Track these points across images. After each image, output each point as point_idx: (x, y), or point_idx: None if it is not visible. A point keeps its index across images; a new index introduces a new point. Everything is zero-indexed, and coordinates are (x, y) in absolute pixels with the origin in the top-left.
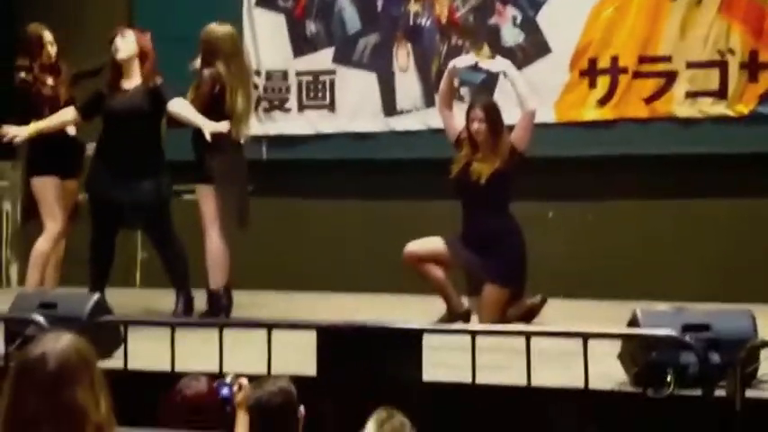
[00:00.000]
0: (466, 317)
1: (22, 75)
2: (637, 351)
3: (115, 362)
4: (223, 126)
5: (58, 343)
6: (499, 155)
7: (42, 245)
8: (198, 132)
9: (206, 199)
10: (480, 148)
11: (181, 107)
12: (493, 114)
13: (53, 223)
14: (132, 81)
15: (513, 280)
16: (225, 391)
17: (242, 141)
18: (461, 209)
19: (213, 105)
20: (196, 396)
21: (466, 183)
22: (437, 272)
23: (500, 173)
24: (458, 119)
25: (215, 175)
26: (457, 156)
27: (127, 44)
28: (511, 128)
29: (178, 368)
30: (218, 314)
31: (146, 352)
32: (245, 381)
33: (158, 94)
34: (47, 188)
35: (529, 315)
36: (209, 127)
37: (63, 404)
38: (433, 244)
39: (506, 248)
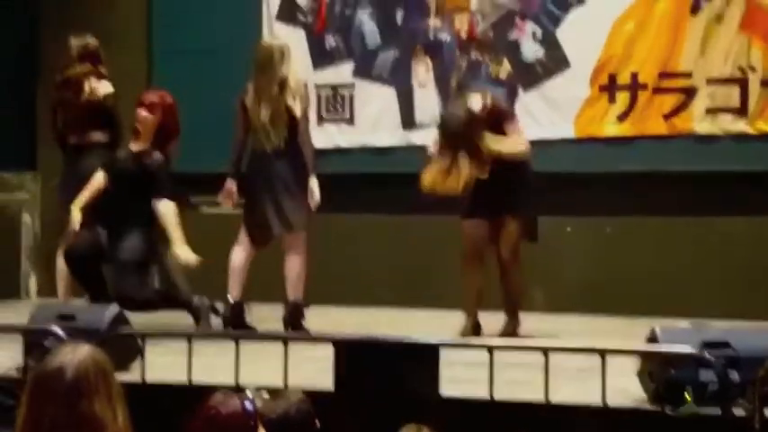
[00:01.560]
0: (478, 329)
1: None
2: (655, 368)
3: (133, 374)
4: (191, 259)
5: (76, 355)
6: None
7: None
8: None
9: None
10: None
11: (165, 212)
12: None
13: None
14: (139, 144)
15: (528, 209)
16: (248, 405)
17: (266, 151)
18: None
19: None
20: (232, 415)
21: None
22: (477, 278)
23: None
24: None
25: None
26: None
27: (146, 121)
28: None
29: (195, 381)
30: (237, 327)
31: (163, 364)
32: (266, 395)
33: (151, 179)
34: None
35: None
36: (180, 251)
37: (80, 416)
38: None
39: (517, 178)
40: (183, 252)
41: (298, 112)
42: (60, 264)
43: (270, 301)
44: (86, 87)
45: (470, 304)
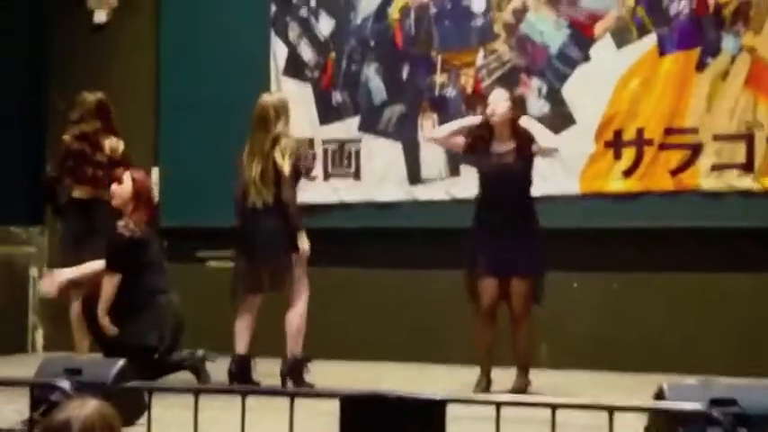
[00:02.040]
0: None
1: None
2: (664, 425)
3: (139, 428)
4: (111, 332)
5: (83, 409)
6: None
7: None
8: None
9: None
10: (497, 132)
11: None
12: (516, 100)
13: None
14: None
15: (542, 267)
16: None
17: (257, 207)
18: (483, 194)
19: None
20: None
21: (493, 164)
22: (492, 331)
23: (526, 152)
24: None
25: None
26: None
27: (122, 190)
28: None
29: None
30: (242, 381)
31: (170, 419)
32: None
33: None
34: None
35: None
36: (105, 326)
37: None
38: (491, 289)
39: (532, 237)
40: (106, 327)
41: (285, 169)
42: (75, 313)
43: (276, 356)
44: (106, 145)
45: (484, 360)
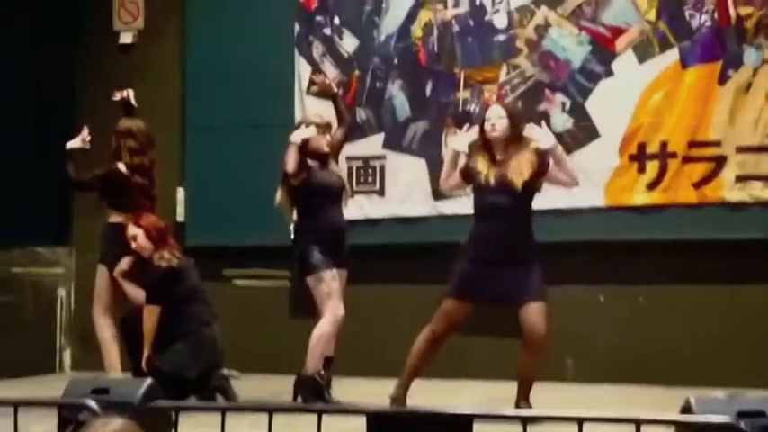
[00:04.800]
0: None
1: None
2: None
3: None
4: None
5: (108, 428)
6: (525, 155)
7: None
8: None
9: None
10: (498, 152)
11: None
12: (513, 111)
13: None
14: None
15: (545, 291)
16: None
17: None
18: (483, 222)
19: None
20: None
21: (495, 192)
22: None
23: (533, 180)
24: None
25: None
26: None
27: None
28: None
29: None
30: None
31: None
32: None
33: None
34: (103, 276)
35: None
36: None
37: None
38: (456, 315)
39: (536, 263)
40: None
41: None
42: (108, 335)
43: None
44: (156, 179)
45: (410, 378)
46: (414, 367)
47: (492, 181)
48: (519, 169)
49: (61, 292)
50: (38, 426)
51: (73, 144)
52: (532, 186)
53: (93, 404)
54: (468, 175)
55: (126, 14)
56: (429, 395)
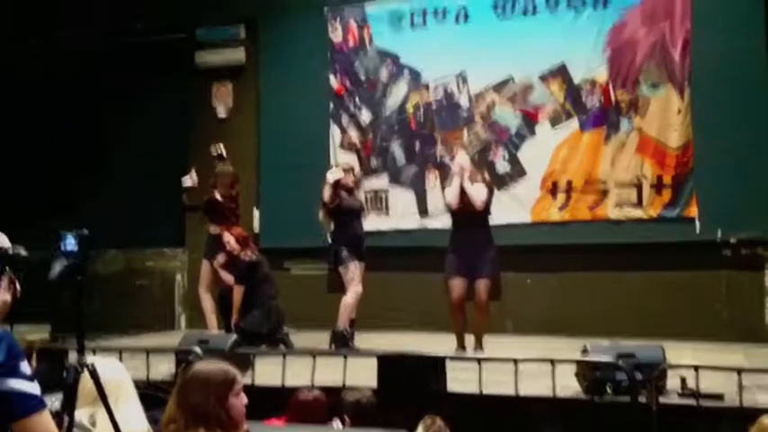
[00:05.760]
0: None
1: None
2: (587, 371)
3: (246, 379)
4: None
5: (207, 365)
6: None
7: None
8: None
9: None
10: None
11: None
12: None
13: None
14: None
15: (498, 274)
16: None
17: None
18: (456, 229)
19: None
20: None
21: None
22: (462, 317)
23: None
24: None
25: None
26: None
27: (232, 246)
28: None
29: (287, 384)
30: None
31: (267, 372)
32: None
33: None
34: (206, 267)
35: None
36: (235, 318)
37: (209, 402)
38: (458, 289)
39: (491, 252)
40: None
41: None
42: (209, 305)
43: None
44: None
45: (459, 336)
46: (457, 331)
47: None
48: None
49: (178, 278)
50: (162, 365)
51: (186, 182)
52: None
53: (198, 350)
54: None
55: (221, 97)
56: (417, 344)
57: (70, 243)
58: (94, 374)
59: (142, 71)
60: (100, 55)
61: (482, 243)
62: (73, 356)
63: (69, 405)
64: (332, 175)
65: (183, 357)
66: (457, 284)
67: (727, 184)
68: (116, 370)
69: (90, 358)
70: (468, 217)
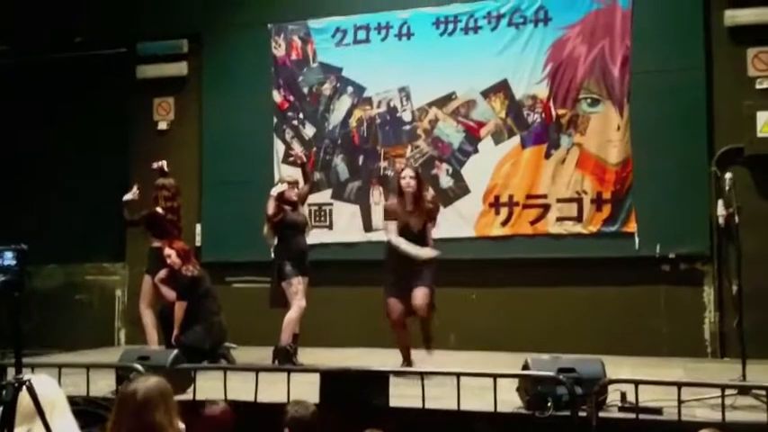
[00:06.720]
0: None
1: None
2: (528, 386)
3: (187, 395)
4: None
5: (147, 382)
6: (423, 208)
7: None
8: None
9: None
10: (408, 201)
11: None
12: (419, 177)
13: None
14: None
15: (434, 283)
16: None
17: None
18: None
19: None
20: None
21: (407, 233)
22: (406, 335)
23: (425, 224)
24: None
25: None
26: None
27: (174, 261)
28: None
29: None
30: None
31: (207, 388)
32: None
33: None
34: (147, 282)
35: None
36: (176, 335)
37: (146, 423)
38: (398, 307)
39: (429, 266)
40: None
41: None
42: (149, 320)
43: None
44: (182, 217)
45: (405, 349)
46: (402, 348)
47: (402, 224)
48: (419, 220)
49: (118, 293)
50: (102, 381)
51: (127, 197)
52: (425, 227)
53: (138, 367)
54: (391, 214)
55: (162, 110)
56: (361, 359)
57: (7, 258)
58: (32, 391)
59: (82, 85)
60: (40, 69)
61: (420, 261)
62: (11, 373)
63: (8, 422)
64: (275, 190)
65: (123, 374)
66: (394, 303)
67: (665, 200)
68: (49, 386)
69: (27, 375)
70: (409, 236)
